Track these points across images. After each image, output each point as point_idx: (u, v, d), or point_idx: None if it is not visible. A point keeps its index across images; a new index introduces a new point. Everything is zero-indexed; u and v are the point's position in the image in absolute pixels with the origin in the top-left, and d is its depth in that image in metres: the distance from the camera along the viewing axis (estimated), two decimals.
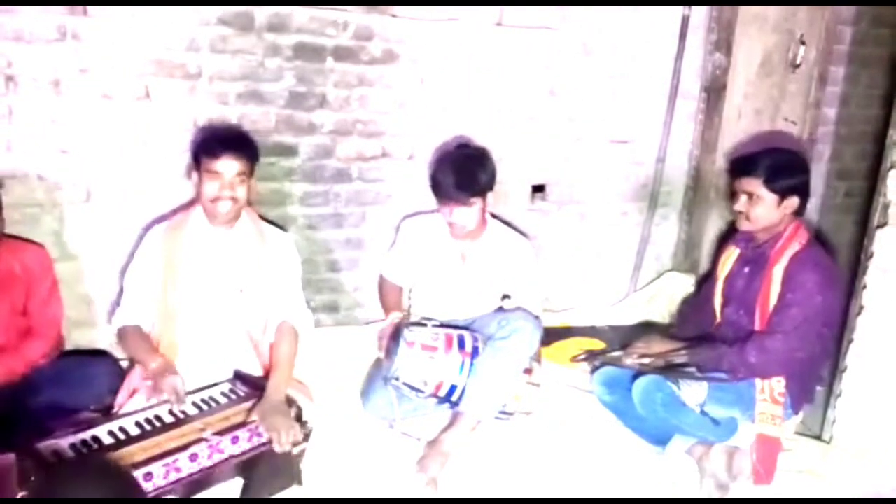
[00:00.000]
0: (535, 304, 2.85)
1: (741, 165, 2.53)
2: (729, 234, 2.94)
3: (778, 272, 2.42)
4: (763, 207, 2.43)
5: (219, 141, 2.35)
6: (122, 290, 2.47)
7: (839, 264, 2.89)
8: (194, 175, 2.37)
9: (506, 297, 2.87)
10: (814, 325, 2.37)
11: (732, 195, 2.54)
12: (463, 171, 2.58)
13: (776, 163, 2.45)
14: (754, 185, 2.42)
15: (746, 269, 2.56)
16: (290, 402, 2.24)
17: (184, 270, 2.37)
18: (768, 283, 2.43)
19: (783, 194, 2.41)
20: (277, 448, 2.08)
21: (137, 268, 2.41)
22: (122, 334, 2.39)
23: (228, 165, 2.30)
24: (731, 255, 2.63)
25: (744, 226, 2.51)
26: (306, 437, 2.18)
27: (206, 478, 2.01)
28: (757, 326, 2.46)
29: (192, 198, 2.53)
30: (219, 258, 2.40)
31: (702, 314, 2.75)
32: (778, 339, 2.35)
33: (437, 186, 2.64)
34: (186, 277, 2.37)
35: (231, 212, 2.35)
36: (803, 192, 2.45)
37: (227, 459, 2.04)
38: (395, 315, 2.67)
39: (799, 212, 2.46)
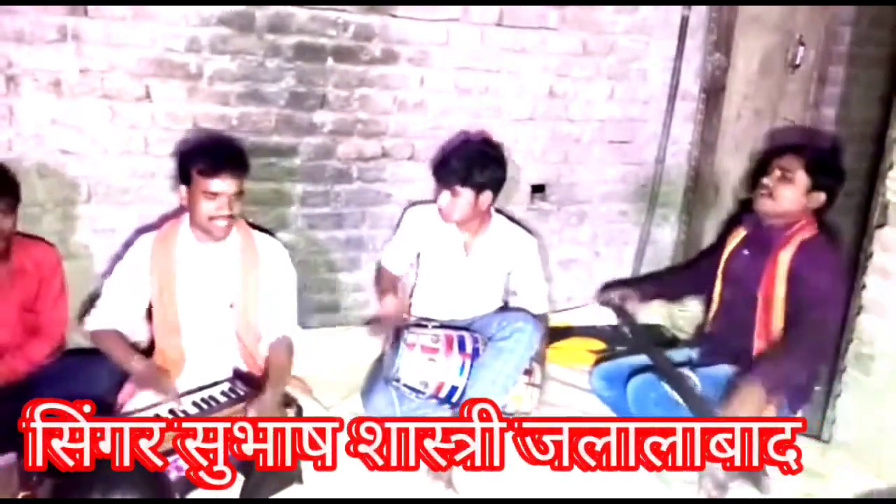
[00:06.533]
0: (540, 300, 2.85)
1: (787, 146, 2.53)
2: (737, 218, 2.88)
3: (785, 257, 2.39)
4: (792, 189, 2.41)
5: (215, 161, 2.27)
6: (98, 293, 2.45)
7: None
8: (183, 188, 2.31)
9: (511, 292, 2.87)
10: (836, 313, 2.40)
11: (754, 183, 2.56)
12: (458, 160, 2.60)
13: (824, 156, 2.51)
14: (794, 163, 2.41)
15: (747, 251, 2.55)
16: (290, 401, 2.24)
17: (177, 285, 2.36)
18: (774, 268, 2.40)
19: (816, 185, 2.41)
20: None
21: (123, 274, 2.38)
22: (98, 336, 2.36)
23: (226, 185, 2.26)
24: (738, 235, 2.62)
25: (765, 205, 2.45)
26: None
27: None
28: (758, 310, 2.44)
29: (179, 206, 2.47)
30: (208, 274, 2.38)
31: (697, 283, 2.82)
32: (814, 331, 2.31)
33: (435, 167, 2.77)
34: (180, 292, 2.36)
35: (226, 228, 2.32)
36: (833, 195, 2.45)
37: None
38: (389, 300, 2.65)
39: (820, 213, 2.47)
